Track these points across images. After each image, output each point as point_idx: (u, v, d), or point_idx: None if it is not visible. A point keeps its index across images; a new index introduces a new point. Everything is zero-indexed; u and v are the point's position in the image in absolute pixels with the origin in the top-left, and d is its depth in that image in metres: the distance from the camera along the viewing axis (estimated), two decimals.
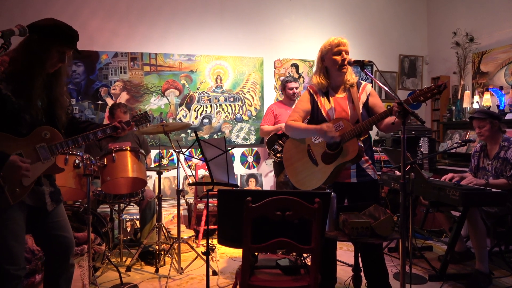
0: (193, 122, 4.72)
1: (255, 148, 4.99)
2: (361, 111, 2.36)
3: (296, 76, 5.09)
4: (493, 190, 2.75)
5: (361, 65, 2.17)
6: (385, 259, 2.45)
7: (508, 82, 4.39)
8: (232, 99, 4.85)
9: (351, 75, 2.40)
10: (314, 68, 2.51)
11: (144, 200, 3.45)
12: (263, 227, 1.75)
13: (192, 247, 3.31)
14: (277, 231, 1.75)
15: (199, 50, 4.73)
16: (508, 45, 4.39)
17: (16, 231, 1.71)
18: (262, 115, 4.92)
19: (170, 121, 4.62)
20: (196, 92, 4.73)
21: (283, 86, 4.30)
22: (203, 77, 4.75)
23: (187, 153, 2.73)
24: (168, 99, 4.64)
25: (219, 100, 4.81)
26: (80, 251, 2.62)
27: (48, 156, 1.78)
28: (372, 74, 2.89)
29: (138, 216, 3.67)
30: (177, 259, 3.18)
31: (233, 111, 4.86)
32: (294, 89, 4.26)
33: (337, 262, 2.70)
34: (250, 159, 4.98)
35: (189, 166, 4.63)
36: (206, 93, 4.76)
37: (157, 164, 4.31)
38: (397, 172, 3.53)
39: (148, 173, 3.77)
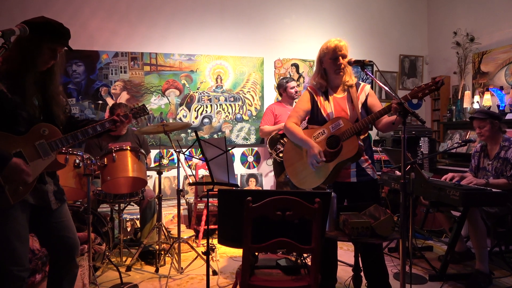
0: (193, 122, 4.72)
1: (255, 148, 4.99)
2: (360, 111, 2.36)
3: (297, 76, 5.09)
4: (493, 190, 2.75)
5: (361, 65, 2.18)
6: (385, 259, 2.45)
7: (508, 82, 4.39)
8: (232, 99, 4.85)
9: (350, 76, 2.41)
10: (314, 68, 2.52)
11: (144, 200, 3.45)
12: (263, 227, 1.75)
13: (192, 247, 3.31)
14: (277, 231, 1.75)
15: (200, 50, 4.73)
16: (508, 45, 4.39)
17: (19, 231, 1.70)
18: (262, 115, 4.91)
19: (170, 121, 4.62)
20: (197, 92, 4.73)
21: (284, 88, 4.30)
22: (203, 77, 4.75)
23: (187, 153, 2.72)
24: (168, 99, 4.64)
25: (219, 100, 4.81)
26: (80, 251, 2.61)
27: (48, 153, 1.78)
28: (372, 74, 2.90)
29: (138, 216, 3.67)
30: (177, 259, 3.18)
31: (233, 111, 4.86)
32: (296, 87, 4.29)
33: (338, 262, 2.70)
34: (250, 159, 4.98)
35: (189, 166, 4.63)
36: (206, 93, 4.76)
37: (157, 164, 4.31)
38: (398, 172, 3.53)
39: (148, 173, 3.77)
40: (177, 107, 4.67)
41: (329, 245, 2.44)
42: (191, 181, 4.35)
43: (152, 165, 4.41)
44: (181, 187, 3.42)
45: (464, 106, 4.70)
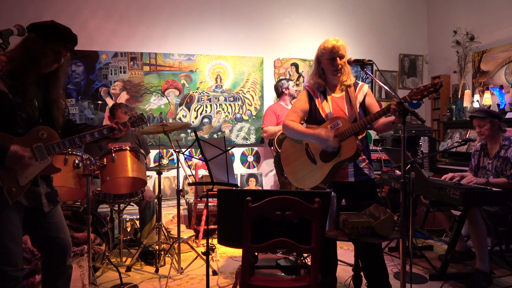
0: (193, 122, 4.72)
1: (255, 148, 4.99)
2: (358, 111, 2.36)
3: (296, 75, 5.09)
4: (493, 189, 2.74)
5: (361, 64, 2.18)
6: (385, 259, 2.45)
7: (508, 81, 4.39)
8: (232, 99, 4.85)
9: (348, 76, 2.40)
10: (313, 67, 2.51)
11: (144, 200, 3.45)
12: (263, 227, 1.74)
13: (192, 247, 3.31)
14: (277, 231, 1.75)
15: (199, 49, 4.72)
16: (508, 44, 4.38)
17: (13, 232, 1.71)
18: (262, 114, 4.91)
19: (170, 121, 4.61)
20: (196, 92, 4.73)
21: (286, 87, 4.28)
22: (203, 77, 4.74)
23: (187, 153, 2.72)
24: (168, 99, 4.64)
25: (219, 100, 4.80)
26: (80, 251, 2.62)
27: (45, 156, 1.78)
28: (372, 73, 2.89)
29: (138, 216, 3.66)
30: (177, 259, 3.18)
31: (233, 110, 4.86)
32: (295, 86, 4.35)
33: (338, 262, 2.69)
34: (250, 158, 4.98)
35: (189, 166, 4.63)
36: (206, 92, 4.76)
37: (157, 164, 4.31)
38: (398, 172, 3.52)
39: (148, 173, 3.77)
40: (176, 107, 4.67)
41: (328, 243, 2.44)
42: (190, 181, 4.35)
43: (152, 165, 4.41)
44: (181, 187, 3.41)
45: (464, 105, 4.70)
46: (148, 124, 4.44)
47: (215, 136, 4.77)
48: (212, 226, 4.12)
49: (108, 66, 4.46)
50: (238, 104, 4.87)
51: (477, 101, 4.55)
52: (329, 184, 2.31)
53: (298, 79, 5.09)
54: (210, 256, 3.10)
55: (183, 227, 4.20)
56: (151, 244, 3.44)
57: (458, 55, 4.90)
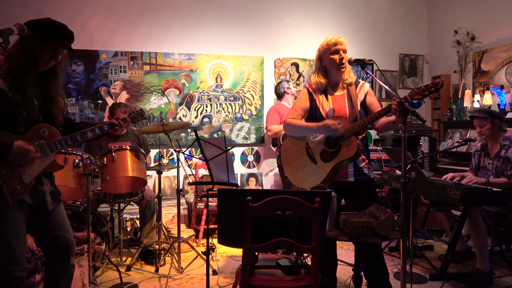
0: (193, 122, 4.71)
1: (255, 148, 4.99)
2: (359, 109, 2.36)
3: (297, 75, 5.09)
4: (494, 189, 2.74)
5: (361, 64, 2.17)
6: (385, 259, 2.45)
7: (509, 81, 4.39)
8: (232, 98, 4.85)
9: (349, 74, 2.40)
10: (314, 67, 2.51)
11: (144, 200, 3.45)
12: (263, 226, 1.74)
13: (192, 247, 3.31)
14: (277, 231, 1.75)
15: (199, 49, 4.72)
16: (508, 44, 4.38)
17: (17, 231, 1.70)
18: (262, 114, 4.92)
19: (170, 120, 4.61)
20: (196, 92, 4.72)
21: (287, 87, 4.31)
22: (203, 76, 4.74)
23: (187, 152, 2.72)
24: (168, 99, 4.64)
25: (219, 99, 4.80)
26: (80, 251, 2.62)
27: (47, 153, 1.78)
28: (372, 73, 2.89)
29: (138, 216, 3.66)
30: (177, 258, 3.18)
31: (233, 110, 4.86)
32: (296, 86, 4.38)
33: (338, 262, 2.69)
34: (251, 158, 4.98)
35: (189, 166, 4.63)
36: (206, 92, 4.76)
37: (157, 163, 4.31)
38: (398, 171, 3.52)
39: (148, 172, 3.76)
40: (177, 107, 4.66)
41: (328, 243, 2.44)
42: (191, 181, 4.35)
43: (152, 164, 4.41)
44: (181, 187, 3.41)
45: (465, 105, 4.70)
46: (148, 124, 4.44)
47: (215, 135, 4.77)
48: (212, 226, 4.12)
49: (108, 65, 4.46)
50: (238, 104, 4.87)
51: (478, 101, 4.54)
52: (329, 183, 2.31)
53: (298, 78, 5.09)
54: (210, 256, 3.09)
55: (183, 226, 4.20)
56: (151, 244, 3.44)
57: (459, 55, 4.89)
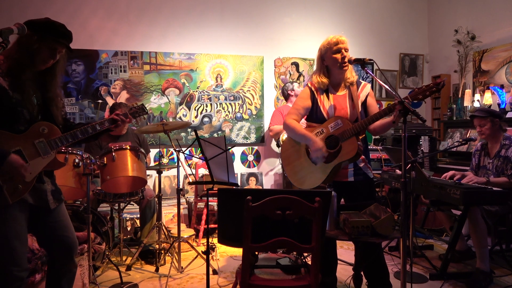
0: (193, 121, 4.71)
1: (255, 147, 4.99)
2: (360, 109, 2.35)
3: (297, 74, 5.09)
4: (494, 188, 2.74)
5: (361, 63, 2.16)
6: (385, 258, 2.44)
7: (509, 81, 4.38)
8: (232, 98, 4.85)
9: (351, 73, 2.40)
10: (314, 67, 2.50)
11: (144, 199, 3.45)
12: (264, 226, 1.74)
13: (192, 246, 3.31)
14: (277, 230, 1.75)
15: (199, 48, 4.72)
16: (509, 43, 4.38)
17: (18, 231, 1.70)
18: (262, 113, 4.92)
19: (170, 120, 4.61)
20: (196, 91, 4.72)
21: (291, 89, 4.36)
22: (203, 76, 4.74)
23: (187, 152, 2.72)
24: (168, 98, 4.63)
25: (219, 99, 4.80)
26: (80, 250, 2.62)
27: (48, 151, 1.78)
28: (372, 73, 2.89)
29: (138, 215, 3.66)
30: (177, 258, 3.18)
31: (233, 110, 4.85)
32: (301, 87, 4.47)
33: (338, 261, 2.69)
34: (251, 158, 4.97)
35: (189, 165, 4.63)
36: (206, 92, 4.75)
37: (157, 163, 4.31)
38: (398, 171, 3.52)
39: (148, 172, 3.77)
40: (177, 106, 4.66)
41: (328, 243, 2.44)
42: (191, 180, 4.35)
43: (152, 164, 4.41)
44: (181, 186, 3.41)
45: (465, 105, 4.69)
46: (148, 123, 4.44)
47: (215, 135, 4.77)
48: (212, 225, 4.12)
49: (108, 65, 4.45)
50: (238, 103, 4.86)
51: (478, 100, 4.54)
52: (329, 183, 2.31)
53: (298, 78, 5.09)
54: (210, 255, 3.10)
55: (183, 226, 4.20)
56: (151, 243, 3.44)
57: (459, 54, 4.89)
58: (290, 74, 5.06)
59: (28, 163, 1.71)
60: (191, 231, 3.86)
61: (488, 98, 4.33)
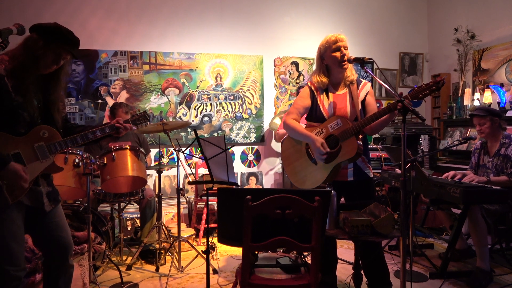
0: (193, 121, 4.71)
1: (255, 147, 4.99)
2: (360, 108, 2.35)
3: (296, 74, 5.09)
4: (494, 187, 2.74)
5: (361, 62, 2.16)
6: (385, 257, 2.45)
7: (508, 79, 4.38)
8: (232, 98, 4.85)
9: (351, 72, 2.39)
10: (314, 67, 2.50)
11: (144, 199, 3.45)
12: (263, 225, 1.74)
13: (192, 246, 3.31)
14: (277, 230, 1.75)
15: (199, 48, 4.72)
16: (509, 42, 4.38)
17: (15, 231, 1.71)
18: (262, 113, 4.92)
19: (170, 119, 4.61)
20: (196, 91, 4.72)
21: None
22: (203, 76, 4.74)
23: (187, 151, 2.72)
24: (168, 98, 4.64)
25: (219, 99, 4.80)
26: (80, 250, 2.62)
27: (47, 155, 1.78)
28: (372, 72, 2.89)
29: (139, 215, 3.67)
30: (177, 257, 3.18)
31: (233, 109, 4.86)
32: None
33: (338, 260, 2.69)
34: (251, 157, 4.98)
35: (189, 165, 4.63)
36: (206, 91, 4.75)
37: (157, 162, 4.30)
38: (398, 170, 3.52)
39: (148, 171, 3.77)
40: (176, 106, 4.66)
41: (328, 242, 2.44)
42: (191, 180, 4.35)
43: (152, 164, 4.41)
44: (181, 186, 3.42)
45: (465, 104, 4.69)
46: (148, 123, 4.44)
47: (215, 134, 4.77)
48: (212, 225, 4.12)
49: (108, 65, 4.45)
50: (238, 103, 4.86)
51: (478, 99, 4.54)
52: (329, 183, 2.31)
53: (298, 77, 5.09)
54: (210, 255, 3.10)
55: (183, 225, 4.20)
56: (152, 243, 3.44)
57: (459, 53, 4.89)
58: (290, 74, 5.06)
59: (26, 166, 1.71)
60: (191, 231, 3.87)
61: (488, 97, 4.33)
